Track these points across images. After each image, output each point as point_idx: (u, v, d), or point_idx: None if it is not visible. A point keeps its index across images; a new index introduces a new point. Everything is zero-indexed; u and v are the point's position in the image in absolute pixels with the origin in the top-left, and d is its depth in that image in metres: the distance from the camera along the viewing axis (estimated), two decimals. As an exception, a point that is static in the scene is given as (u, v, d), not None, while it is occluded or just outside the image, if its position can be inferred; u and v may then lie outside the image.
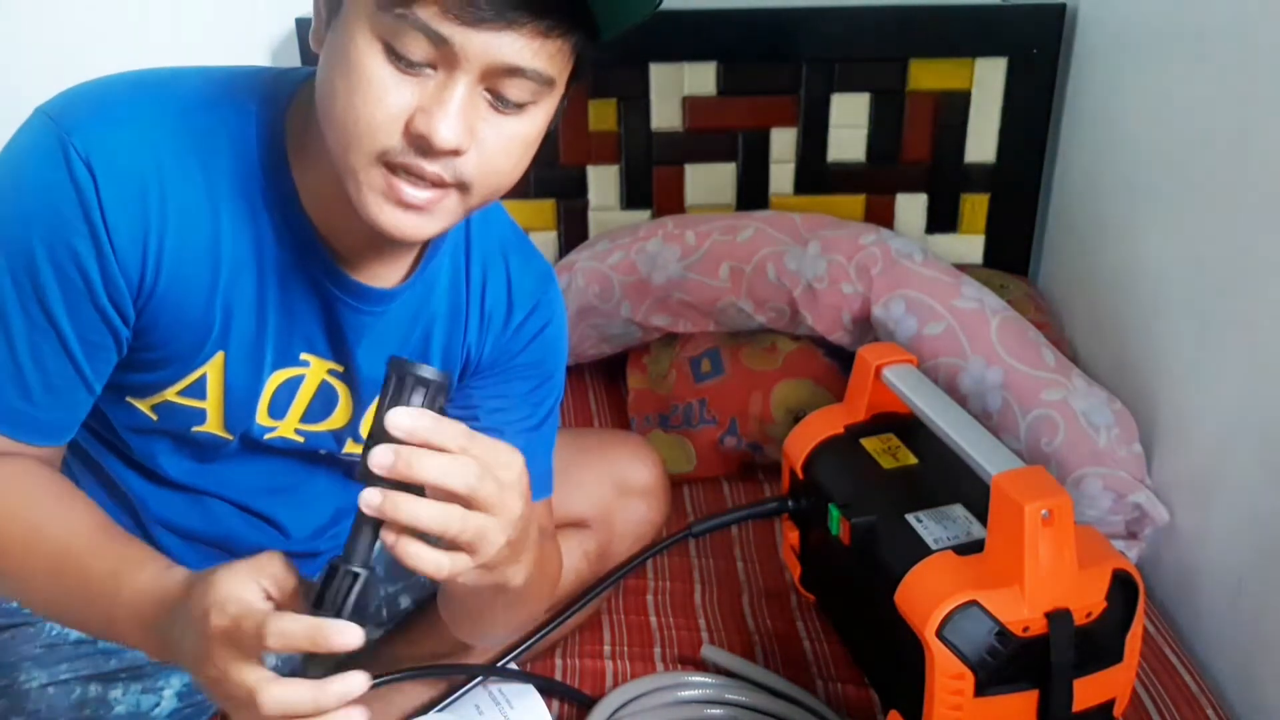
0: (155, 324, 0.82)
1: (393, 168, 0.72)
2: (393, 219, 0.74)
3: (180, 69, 0.83)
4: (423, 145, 0.71)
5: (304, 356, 0.89)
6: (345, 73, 0.71)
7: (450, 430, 0.67)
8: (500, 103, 0.72)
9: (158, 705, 1.01)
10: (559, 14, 0.70)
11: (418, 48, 0.69)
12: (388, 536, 0.67)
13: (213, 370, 0.86)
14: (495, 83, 0.71)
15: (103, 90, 0.79)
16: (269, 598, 0.69)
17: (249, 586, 0.69)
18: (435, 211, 0.75)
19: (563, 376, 1.02)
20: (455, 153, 0.72)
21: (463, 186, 0.74)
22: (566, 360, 1.02)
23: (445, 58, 0.70)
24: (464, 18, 0.68)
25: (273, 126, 0.81)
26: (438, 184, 0.73)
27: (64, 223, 0.76)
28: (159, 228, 0.78)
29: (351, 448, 0.98)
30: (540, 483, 1.01)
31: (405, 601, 1.14)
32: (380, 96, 0.70)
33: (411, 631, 1.14)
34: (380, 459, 0.65)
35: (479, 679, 1.12)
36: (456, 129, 0.70)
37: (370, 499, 0.66)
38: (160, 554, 0.81)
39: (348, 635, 0.65)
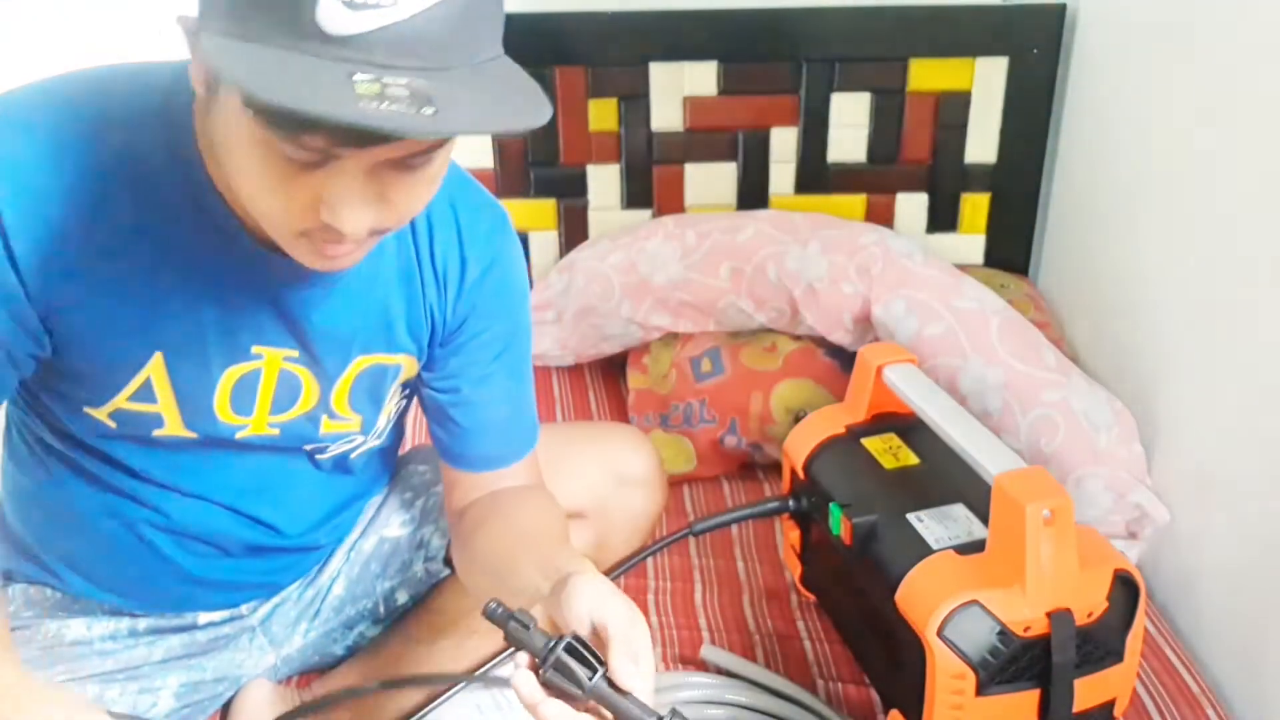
0: (80, 333, 0.81)
1: (314, 234, 0.72)
2: (323, 265, 0.76)
3: (86, 72, 0.81)
4: (335, 234, 0.70)
5: (255, 350, 0.88)
6: (241, 164, 0.70)
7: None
8: (400, 165, 0.70)
9: (155, 705, 1.01)
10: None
11: (308, 155, 0.67)
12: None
13: (155, 372, 0.85)
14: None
15: (2, 105, 0.78)
16: None
17: None
18: (363, 252, 0.77)
19: (529, 319, 1.01)
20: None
21: (386, 231, 0.75)
22: (529, 302, 1.00)
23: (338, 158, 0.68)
24: (357, 143, 0.66)
25: (181, 126, 0.79)
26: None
27: None
28: (62, 237, 0.77)
29: (328, 426, 0.95)
30: (528, 434, 1.03)
31: (402, 598, 1.14)
32: (283, 192, 0.69)
33: (409, 627, 1.13)
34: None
35: (478, 679, 1.12)
36: (363, 218, 0.70)
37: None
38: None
39: None
